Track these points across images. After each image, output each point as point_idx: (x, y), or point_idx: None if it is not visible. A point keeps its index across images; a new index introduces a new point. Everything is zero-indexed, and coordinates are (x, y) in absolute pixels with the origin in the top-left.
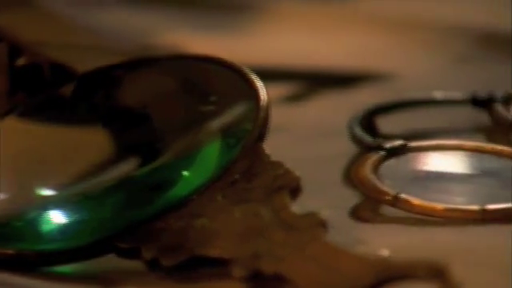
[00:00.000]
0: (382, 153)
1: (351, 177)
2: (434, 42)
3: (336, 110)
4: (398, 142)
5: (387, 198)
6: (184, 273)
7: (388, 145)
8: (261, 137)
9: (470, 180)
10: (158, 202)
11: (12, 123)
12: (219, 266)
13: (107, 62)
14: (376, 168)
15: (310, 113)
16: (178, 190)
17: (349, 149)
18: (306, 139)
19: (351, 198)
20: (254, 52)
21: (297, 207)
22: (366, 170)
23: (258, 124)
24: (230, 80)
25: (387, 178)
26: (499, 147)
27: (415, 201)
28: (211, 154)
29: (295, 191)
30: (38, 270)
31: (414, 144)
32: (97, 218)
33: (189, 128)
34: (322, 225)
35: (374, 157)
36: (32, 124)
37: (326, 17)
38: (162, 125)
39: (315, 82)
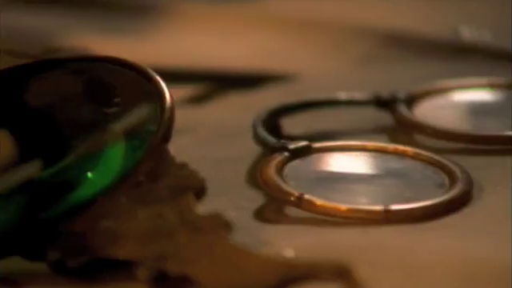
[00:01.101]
0: (286, 154)
1: (256, 178)
2: (337, 42)
3: (240, 111)
4: (301, 143)
5: (291, 198)
6: (89, 274)
7: (292, 146)
8: (165, 138)
9: (374, 180)
10: (63, 204)
11: None
12: (124, 268)
13: (12, 65)
14: (280, 169)
15: (215, 114)
16: (83, 192)
17: (253, 150)
18: (210, 140)
19: (256, 198)
20: (158, 53)
21: (202, 208)
22: (271, 170)
23: (162, 125)
24: (134, 81)
25: (291, 179)
26: (402, 148)
27: (319, 201)
28: (115, 156)
29: (200, 192)
30: None
31: (317, 145)
32: (1, 220)
33: (93, 129)
34: (227, 226)
35: (278, 158)
36: None
37: (230, 18)
38: (67, 126)
39: (219, 83)
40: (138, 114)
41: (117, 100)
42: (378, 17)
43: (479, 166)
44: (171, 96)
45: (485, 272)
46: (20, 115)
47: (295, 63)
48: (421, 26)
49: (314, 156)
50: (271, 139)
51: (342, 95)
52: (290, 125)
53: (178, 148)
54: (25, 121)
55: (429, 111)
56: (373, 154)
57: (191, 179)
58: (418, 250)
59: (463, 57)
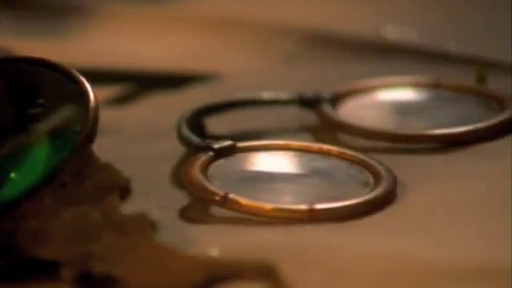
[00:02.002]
0: (211, 153)
1: (180, 178)
2: (261, 42)
3: (165, 111)
4: (226, 143)
5: (216, 198)
6: (14, 274)
7: (216, 145)
8: (90, 138)
9: (298, 180)
10: None
11: None
12: (49, 268)
13: None
14: (205, 169)
15: (139, 114)
16: (6, 192)
17: (178, 150)
18: (134, 140)
19: (181, 198)
20: (83, 54)
21: (126, 208)
22: (195, 170)
23: (86, 125)
24: (58, 82)
25: (216, 179)
26: (326, 147)
27: (244, 201)
28: (39, 156)
29: (125, 192)
30: None
31: (242, 144)
32: None
33: (17, 130)
34: (152, 226)
35: (203, 157)
36: None
37: (154, 19)
38: None
39: (144, 83)
40: (62, 115)
41: (40, 101)
42: (302, 16)
43: (403, 165)
44: (95, 96)
45: (408, 270)
46: None
47: (219, 63)
48: (344, 25)
49: (239, 155)
50: (195, 139)
51: (267, 95)
52: (214, 124)
53: (102, 148)
54: None
55: (353, 110)
56: (297, 153)
57: (116, 179)
58: (343, 249)
59: (387, 56)
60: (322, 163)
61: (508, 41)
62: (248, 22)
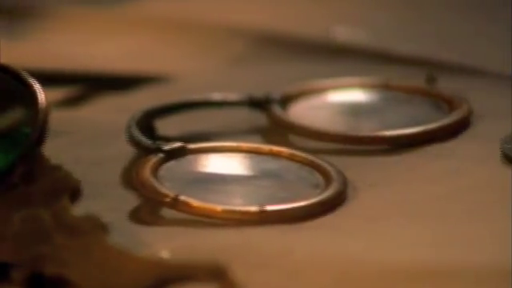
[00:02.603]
0: (161, 155)
1: (131, 179)
2: (212, 43)
3: (115, 113)
4: (176, 144)
5: (167, 200)
6: None
7: (167, 147)
8: (40, 140)
9: (249, 181)
10: None
11: None
12: (0, 270)
13: None
14: (155, 170)
15: (90, 116)
16: None
17: (128, 151)
18: (85, 142)
19: (131, 200)
20: (33, 55)
21: (77, 210)
22: (146, 172)
23: (36, 127)
24: (7, 84)
25: (167, 180)
26: (277, 148)
27: (195, 202)
28: None
29: (75, 194)
30: None
31: (192, 146)
32: None
33: None
34: (103, 227)
35: (153, 159)
36: None
37: (104, 20)
38: None
39: (94, 84)
40: (11, 117)
41: None
42: (253, 17)
43: (353, 166)
44: (45, 98)
45: (358, 271)
46: None
47: (169, 64)
48: (294, 26)
49: (190, 157)
50: (146, 141)
51: (217, 96)
52: (164, 126)
53: (52, 150)
54: None
55: (303, 112)
56: (248, 154)
57: (66, 181)
58: (294, 250)
59: (337, 57)
60: (272, 165)
61: (457, 42)
62: (198, 23)
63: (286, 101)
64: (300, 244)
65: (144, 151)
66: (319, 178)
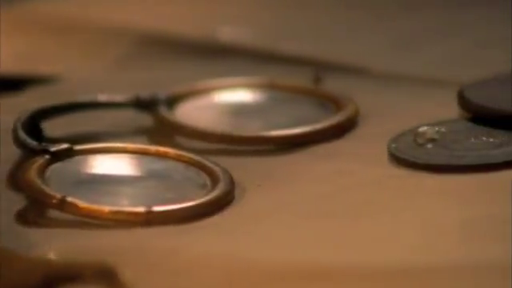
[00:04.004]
0: (47, 156)
1: (17, 181)
2: (98, 43)
3: (2, 114)
4: (63, 146)
5: (53, 201)
6: None
7: (53, 148)
8: None
9: (136, 182)
10: None
11: None
12: None
13: None
14: (41, 172)
15: None
16: None
17: (14, 153)
18: None
19: (17, 202)
20: None
21: None
22: (31, 173)
23: None
24: None
25: (53, 182)
26: (163, 149)
27: (82, 204)
28: None
29: None
30: None
31: (79, 147)
32: None
33: None
34: None
35: (40, 160)
36: None
37: None
38: None
39: None
40: None
41: None
42: (137, 17)
43: (240, 167)
44: None
45: (245, 271)
46: None
47: (55, 65)
48: (180, 26)
49: (76, 158)
50: (31, 142)
51: (103, 97)
52: (51, 127)
53: None
54: None
55: (190, 112)
56: (135, 155)
57: None
58: (181, 251)
59: (223, 57)
60: (159, 165)
61: (343, 41)
62: (84, 24)
63: (173, 101)
64: (187, 245)
65: (30, 153)
66: (206, 179)
